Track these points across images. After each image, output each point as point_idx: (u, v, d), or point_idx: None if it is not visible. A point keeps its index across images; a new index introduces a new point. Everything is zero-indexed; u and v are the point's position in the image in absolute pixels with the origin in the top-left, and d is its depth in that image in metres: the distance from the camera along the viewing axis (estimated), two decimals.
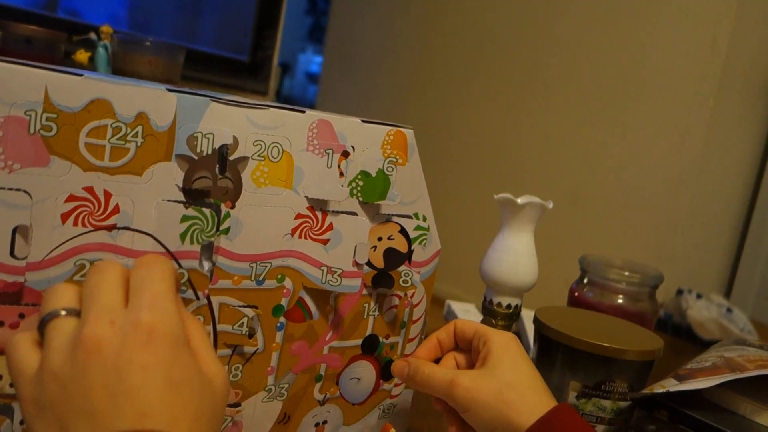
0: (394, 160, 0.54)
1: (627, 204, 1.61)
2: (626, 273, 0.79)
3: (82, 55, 0.86)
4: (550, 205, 0.66)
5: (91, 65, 0.91)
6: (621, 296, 0.78)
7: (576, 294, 0.80)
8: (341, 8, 2.46)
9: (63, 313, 0.33)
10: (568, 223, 1.56)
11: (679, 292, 1.36)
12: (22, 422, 0.42)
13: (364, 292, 0.56)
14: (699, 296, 1.35)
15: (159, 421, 0.31)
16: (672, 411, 0.56)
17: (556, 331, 0.57)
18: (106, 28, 0.86)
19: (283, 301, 0.51)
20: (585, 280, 0.80)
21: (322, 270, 0.52)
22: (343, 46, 2.35)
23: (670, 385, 0.54)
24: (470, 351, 0.54)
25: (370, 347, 0.57)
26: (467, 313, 0.93)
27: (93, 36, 0.87)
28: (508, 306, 0.68)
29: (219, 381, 0.35)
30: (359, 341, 0.57)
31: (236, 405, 0.51)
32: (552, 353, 0.58)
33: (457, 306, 0.95)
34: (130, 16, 1.26)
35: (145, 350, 0.32)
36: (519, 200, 0.65)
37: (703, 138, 1.58)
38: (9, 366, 0.33)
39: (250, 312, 0.49)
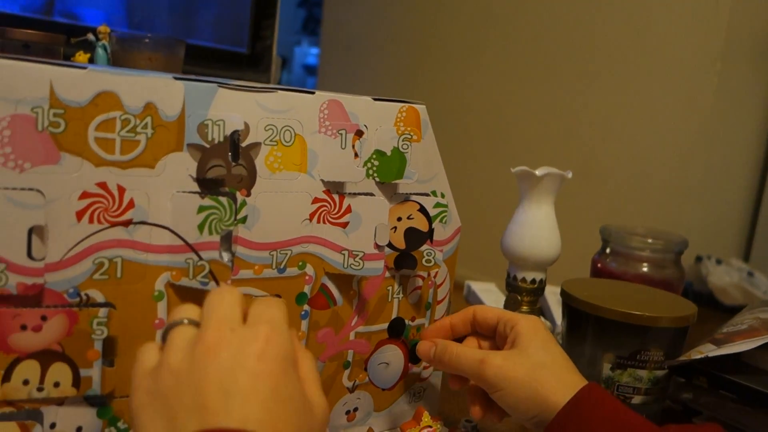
0: (409, 136, 0.52)
1: (638, 174, 1.59)
2: (649, 240, 0.77)
3: (81, 57, 0.85)
4: (569, 175, 0.64)
5: None
6: (645, 264, 0.77)
7: (599, 265, 0.79)
8: None
9: (185, 321, 0.36)
10: (579, 196, 1.54)
11: (698, 259, 1.34)
12: (52, 426, 0.41)
13: (387, 274, 0.55)
14: (719, 262, 1.34)
15: (261, 428, 0.32)
16: (711, 377, 0.54)
17: (587, 303, 0.56)
18: (103, 28, 0.85)
19: (306, 289, 0.50)
20: (607, 251, 0.79)
21: (344, 254, 0.50)
22: (340, 35, 2.33)
23: (708, 351, 0.53)
24: (492, 337, 0.53)
25: (397, 330, 0.56)
26: (488, 293, 0.92)
27: (91, 37, 0.86)
28: (533, 281, 0.67)
29: (320, 410, 0.36)
30: (385, 325, 0.56)
31: None
32: (583, 326, 0.57)
33: (477, 286, 0.94)
34: (127, 16, 1.25)
35: (258, 360, 0.34)
36: (537, 172, 0.63)
37: (712, 101, 1.56)
38: (137, 357, 0.36)
39: None
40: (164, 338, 0.37)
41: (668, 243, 0.78)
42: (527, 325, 0.50)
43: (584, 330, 0.57)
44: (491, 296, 0.92)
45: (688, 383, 0.57)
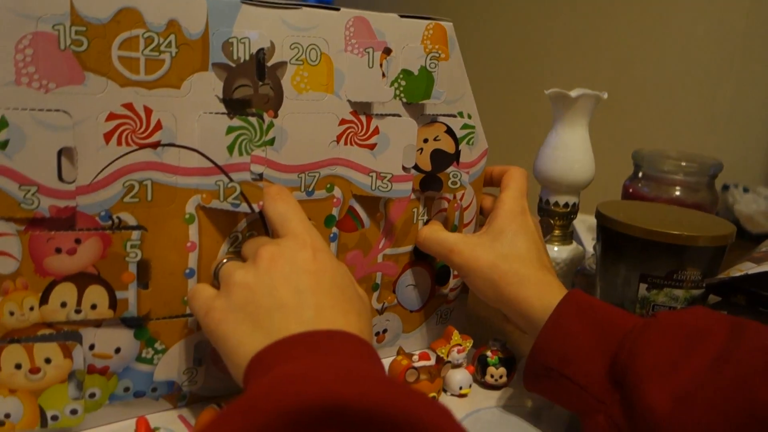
0: (437, 55, 0.51)
1: (665, 99, 1.56)
2: (683, 163, 0.76)
3: None
4: (605, 96, 0.62)
5: None
6: (678, 188, 0.76)
7: (630, 190, 0.78)
8: None
9: (225, 260, 0.43)
10: (607, 121, 1.52)
11: (725, 187, 1.33)
12: (91, 347, 0.42)
13: (413, 196, 0.54)
14: (746, 190, 1.32)
15: (334, 312, 0.38)
16: (750, 295, 0.54)
17: (623, 224, 0.55)
18: None
19: (334, 211, 0.50)
20: (639, 175, 0.78)
21: (371, 176, 0.50)
22: None
23: (747, 268, 0.53)
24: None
25: (423, 253, 0.57)
26: None
27: None
28: (566, 204, 0.66)
29: (366, 299, 0.43)
30: (411, 247, 0.56)
31: None
32: (619, 247, 0.57)
33: None
34: None
35: (313, 261, 0.40)
36: (572, 93, 0.62)
37: (743, 24, 1.51)
38: (191, 298, 0.42)
39: None
40: (216, 277, 0.43)
41: (702, 166, 0.76)
42: (508, 210, 0.53)
43: (620, 251, 0.57)
44: None
45: (725, 301, 0.57)
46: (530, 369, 0.47)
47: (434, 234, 0.54)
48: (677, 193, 0.75)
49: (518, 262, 0.50)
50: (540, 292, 0.48)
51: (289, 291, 0.38)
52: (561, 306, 0.46)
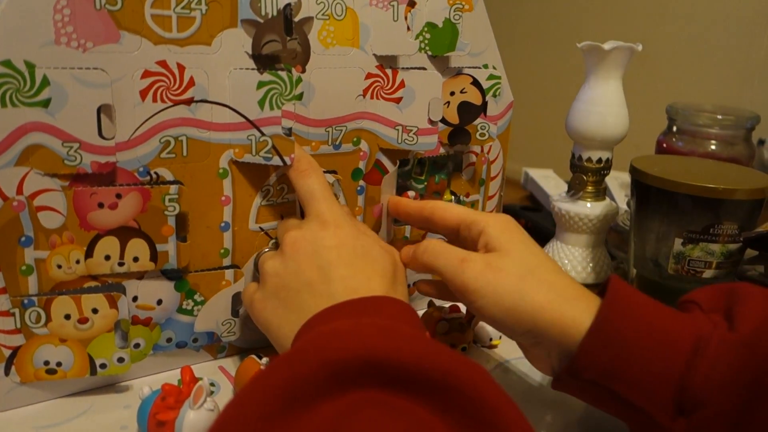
0: (461, 6, 0.53)
1: (698, 53, 1.55)
2: (719, 116, 0.77)
3: None
4: (639, 48, 0.63)
5: None
6: (714, 142, 0.77)
7: (664, 145, 0.79)
8: None
9: (266, 249, 0.50)
10: (636, 75, 1.51)
11: (761, 142, 1.33)
12: (134, 299, 0.46)
13: (441, 150, 0.57)
14: None
15: (357, 280, 0.42)
16: None
17: (658, 178, 0.56)
18: None
19: (361, 164, 0.53)
20: (674, 129, 0.79)
21: (397, 129, 0.53)
22: None
23: None
24: (455, 242, 0.46)
25: None
26: (547, 179, 0.94)
27: None
28: (599, 160, 0.68)
29: (394, 252, 0.46)
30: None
31: None
32: (654, 202, 0.58)
33: (535, 173, 0.96)
34: None
35: (334, 237, 0.43)
36: (605, 46, 0.63)
37: None
38: (243, 298, 0.48)
39: (330, 178, 0.51)
40: (257, 269, 0.49)
41: (739, 119, 0.77)
42: (498, 225, 0.44)
43: (655, 206, 0.58)
44: (550, 182, 0.93)
45: (763, 256, 0.58)
46: (566, 381, 0.40)
47: (438, 243, 0.45)
48: (712, 147, 0.77)
49: (550, 274, 0.41)
50: (588, 305, 0.39)
51: (313, 270, 0.42)
52: (606, 308, 0.38)
